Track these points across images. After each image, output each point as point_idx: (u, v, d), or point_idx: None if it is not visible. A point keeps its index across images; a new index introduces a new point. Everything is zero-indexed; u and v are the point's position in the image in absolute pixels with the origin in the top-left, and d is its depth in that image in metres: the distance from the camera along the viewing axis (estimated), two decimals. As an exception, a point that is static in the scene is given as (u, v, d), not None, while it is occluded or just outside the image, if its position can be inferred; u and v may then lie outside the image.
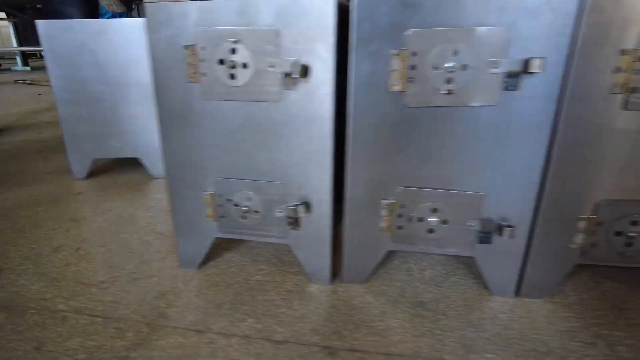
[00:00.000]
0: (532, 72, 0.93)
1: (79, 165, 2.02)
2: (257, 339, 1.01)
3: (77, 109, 1.90)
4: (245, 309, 1.11)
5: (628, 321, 1.08)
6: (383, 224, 1.12)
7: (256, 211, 1.15)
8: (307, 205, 1.11)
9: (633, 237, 1.05)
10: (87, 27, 1.79)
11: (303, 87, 1.01)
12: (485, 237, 1.09)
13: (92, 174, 2.11)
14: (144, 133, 1.94)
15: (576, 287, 1.21)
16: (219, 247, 1.40)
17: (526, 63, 0.92)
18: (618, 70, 0.93)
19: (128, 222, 1.59)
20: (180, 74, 1.07)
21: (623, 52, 0.91)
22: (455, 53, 0.95)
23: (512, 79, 0.96)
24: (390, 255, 1.36)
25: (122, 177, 2.08)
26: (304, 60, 0.99)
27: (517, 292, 1.16)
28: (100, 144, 1.96)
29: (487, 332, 1.03)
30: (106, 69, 1.85)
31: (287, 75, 1.00)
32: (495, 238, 1.08)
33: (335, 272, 1.22)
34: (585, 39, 0.91)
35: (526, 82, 0.96)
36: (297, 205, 1.10)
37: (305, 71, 0.99)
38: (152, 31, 1.04)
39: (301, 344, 0.99)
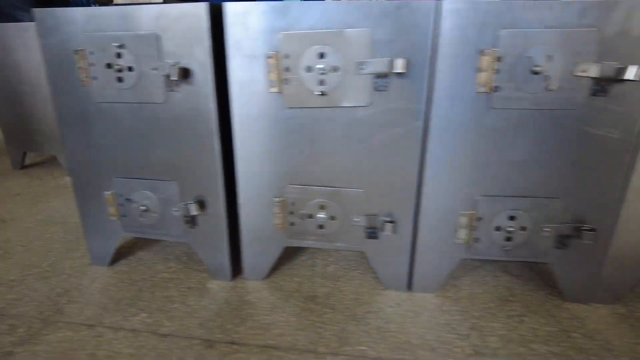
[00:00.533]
0: (398, 73, 0.97)
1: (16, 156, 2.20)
2: (144, 333, 1.04)
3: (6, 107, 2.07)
4: (142, 305, 1.14)
5: (508, 313, 1.11)
6: (276, 221, 1.16)
7: (154, 210, 1.19)
8: (201, 203, 1.15)
9: (511, 232, 1.08)
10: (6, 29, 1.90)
11: (185, 88, 1.05)
12: (372, 232, 1.13)
13: (38, 177, 2.15)
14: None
15: (472, 282, 1.24)
16: (135, 246, 1.43)
17: (391, 63, 0.95)
18: (480, 70, 0.96)
19: (57, 222, 1.62)
20: (74, 78, 1.10)
21: (482, 52, 0.94)
22: (325, 55, 0.98)
23: (381, 79, 0.99)
24: (297, 251, 1.39)
25: (66, 178, 2.12)
26: (184, 63, 1.03)
27: (409, 287, 1.19)
28: (28, 140, 2.14)
29: (368, 325, 1.06)
30: (24, 70, 1.96)
31: (169, 77, 1.03)
32: (383, 233, 1.11)
33: (239, 269, 1.25)
34: (444, 40, 0.94)
35: (395, 82, 0.99)
36: (190, 203, 1.13)
37: (184, 74, 1.03)
38: (42, 37, 1.08)
39: (184, 337, 1.02)
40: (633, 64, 0.91)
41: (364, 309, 1.12)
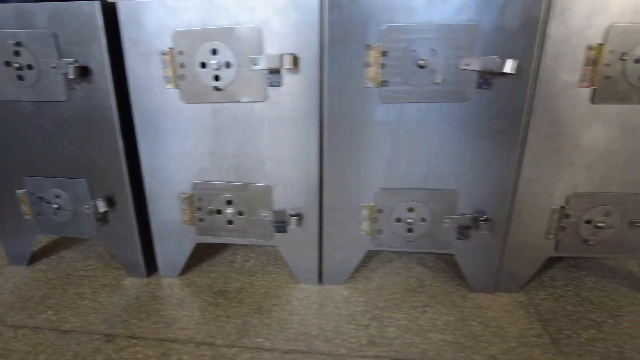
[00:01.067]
0: (289, 68, 0.98)
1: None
2: (46, 330, 1.04)
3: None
4: (50, 303, 1.14)
5: (413, 303, 1.13)
6: (185, 218, 1.17)
7: (66, 208, 1.19)
8: (110, 200, 1.15)
9: (412, 223, 1.10)
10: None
11: (86, 86, 1.06)
12: (280, 227, 1.14)
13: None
14: None
15: (385, 273, 1.26)
16: (60, 245, 1.43)
17: (281, 59, 0.97)
18: (367, 64, 0.98)
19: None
20: (-22, 77, 1.10)
21: (368, 47, 0.96)
22: (217, 51, 1.00)
23: (274, 75, 1.01)
24: (220, 247, 1.40)
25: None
26: (82, 61, 1.03)
27: (320, 280, 1.20)
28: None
29: (271, 318, 1.08)
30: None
31: (67, 75, 1.04)
32: (291, 227, 1.13)
33: (156, 266, 1.26)
34: (331, 36, 0.96)
35: (288, 78, 1.01)
36: (98, 200, 1.14)
37: (83, 72, 1.04)
38: (-57, 36, 1.08)
39: (85, 333, 1.03)
40: (511, 57, 0.93)
41: (272, 302, 1.14)
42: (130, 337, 1.02)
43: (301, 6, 0.95)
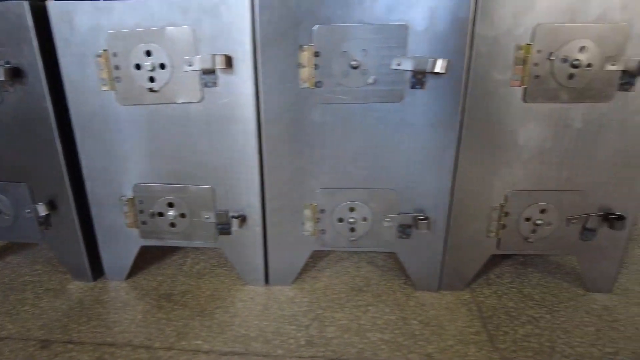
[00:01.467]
0: (222, 69, 0.98)
1: None
2: (-19, 337, 1.03)
3: None
4: (-10, 309, 1.13)
5: (357, 303, 1.13)
6: (127, 220, 1.16)
7: (7, 213, 1.17)
8: (51, 203, 1.14)
9: (353, 223, 1.11)
10: None
11: (20, 89, 1.04)
12: (223, 229, 1.14)
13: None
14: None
15: (333, 273, 1.26)
16: (8, 250, 1.41)
17: (213, 60, 0.97)
18: (300, 65, 0.98)
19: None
20: None
21: (301, 48, 0.96)
22: (151, 53, 0.99)
23: (209, 75, 1.00)
24: (172, 250, 1.39)
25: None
26: (14, 62, 1.02)
27: (267, 281, 1.20)
28: None
29: (212, 320, 1.07)
30: None
31: (-1, 78, 1.02)
32: (234, 229, 1.12)
33: (102, 269, 1.25)
34: (263, 37, 0.96)
35: (223, 79, 1.00)
36: (38, 204, 1.12)
37: (15, 74, 1.02)
38: None
39: (21, 339, 1.02)
40: (442, 57, 0.94)
41: (216, 304, 1.13)
42: (67, 342, 1.01)
43: (232, 7, 0.95)
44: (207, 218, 1.13)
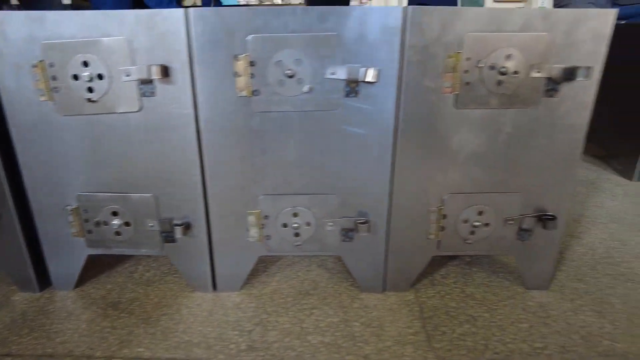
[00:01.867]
0: (159, 78, 0.99)
1: None
2: None
3: None
4: None
5: (302, 306, 1.15)
6: (73, 230, 1.15)
7: (-52, 224, 1.16)
8: (-8, 215, 1.13)
9: (297, 228, 1.13)
10: None
11: (-44, 100, 1.03)
12: (168, 236, 1.14)
13: None
14: None
15: (283, 277, 1.28)
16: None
17: (149, 70, 0.97)
18: (237, 74, 0.99)
19: None
20: None
21: (236, 57, 0.98)
22: (88, 63, 0.99)
23: (147, 85, 1.01)
24: (123, 257, 1.39)
25: None
26: (-51, 74, 1.01)
27: (215, 287, 1.21)
28: None
29: (156, 328, 1.08)
30: None
31: None
32: (178, 237, 1.13)
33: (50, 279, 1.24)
34: (198, 47, 0.97)
35: (161, 88, 1.01)
36: (-22, 216, 1.11)
37: (-51, 85, 1.01)
38: None
39: (-41, 353, 1.01)
40: (374, 66, 0.96)
41: (162, 312, 1.14)
42: (6, 355, 1.00)
43: (167, 18, 0.96)
44: (152, 226, 1.13)
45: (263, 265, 1.33)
